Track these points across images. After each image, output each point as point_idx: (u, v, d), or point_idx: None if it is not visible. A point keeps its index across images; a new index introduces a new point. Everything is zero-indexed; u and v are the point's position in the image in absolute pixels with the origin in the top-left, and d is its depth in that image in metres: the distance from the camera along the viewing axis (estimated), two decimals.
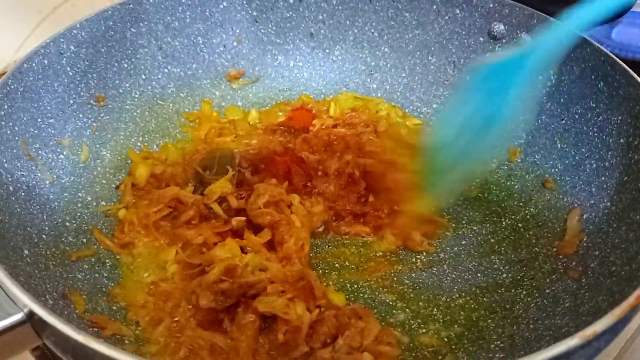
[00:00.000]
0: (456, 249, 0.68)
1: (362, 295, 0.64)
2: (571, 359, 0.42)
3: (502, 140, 0.64)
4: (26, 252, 0.57)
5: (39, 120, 0.67)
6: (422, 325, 0.61)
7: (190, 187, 0.70)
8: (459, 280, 0.65)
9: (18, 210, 0.60)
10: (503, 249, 0.68)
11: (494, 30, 0.77)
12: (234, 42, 0.84)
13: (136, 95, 0.79)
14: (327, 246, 0.68)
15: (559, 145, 0.72)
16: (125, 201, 0.70)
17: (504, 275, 0.65)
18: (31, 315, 0.45)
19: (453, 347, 0.59)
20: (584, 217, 0.66)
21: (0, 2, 0.95)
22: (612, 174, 0.64)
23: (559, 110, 0.72)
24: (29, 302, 0.45)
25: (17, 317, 0.45)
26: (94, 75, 0.74)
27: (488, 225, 0.70)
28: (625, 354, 0.63)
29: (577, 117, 0.70)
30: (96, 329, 0.57)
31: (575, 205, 0.67)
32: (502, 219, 0.71)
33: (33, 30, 0.97)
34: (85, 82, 0.73)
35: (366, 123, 0.80)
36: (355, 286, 0.64)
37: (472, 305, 0.62)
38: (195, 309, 0.59)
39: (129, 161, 0.75)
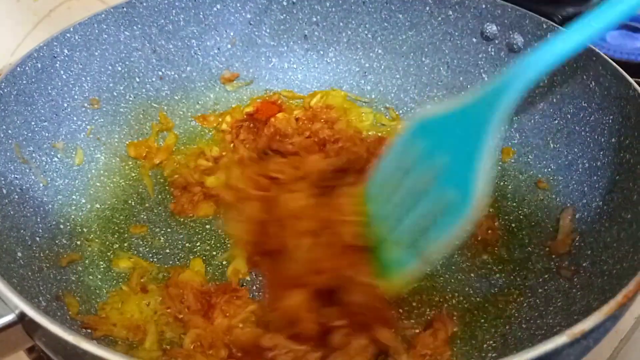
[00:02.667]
0: (449, 249, 0.68)
1: None
2: (561, 357, 0.42)
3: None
4: (19, 254, 0.58)
5: (33, 123, 0.67)
6: (415, 326, 0.61)
7: None
8: (452, 280, 0.65)
9: (11, 212, 0.60)
10: (496, 249, 0.68)
11: (487, 31, 0.77)
12: (227, 44, 0.84)
13: (130, 98, 0.79)
14: None
15: (551, 145, 0.72)
16: None
17: (497, 275, 0.65)
18: (22, 316, 0.45)
19: None
20: (577, 216, 0.66)
21: None
22: (604, 173, 0.65)
23: (551, 110, 0.72)
24: (20, 304, 0.45)
25: (9, 318, 0.46)
26: (88, 78, 0.74)
27: (482, 225, 0.70)
28: (619, 354, 0.63)
29: (569, 117, 0.70)
30: (88, 330, 0.57)
31: (568, 204, 0.67)
32: (496, 220, 0.71)
33: (29, 33, 0.98)
34: (79, 85, 0.73)
35: (327, 120, 0.81)
36: None
37: (465, 305, 0.62)
38: None
39: (123, 164, 0.75)
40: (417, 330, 0.60)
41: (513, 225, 0.70)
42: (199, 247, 0.69)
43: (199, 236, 0.69)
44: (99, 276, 0.65)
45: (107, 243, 0.68)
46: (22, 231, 0.60)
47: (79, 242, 0.67)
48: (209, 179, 0.74)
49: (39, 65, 0.68)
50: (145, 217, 0.71)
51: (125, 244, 0.68)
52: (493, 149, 0.45)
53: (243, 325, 0.59)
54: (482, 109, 0.45)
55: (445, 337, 0.59)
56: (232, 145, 0.79)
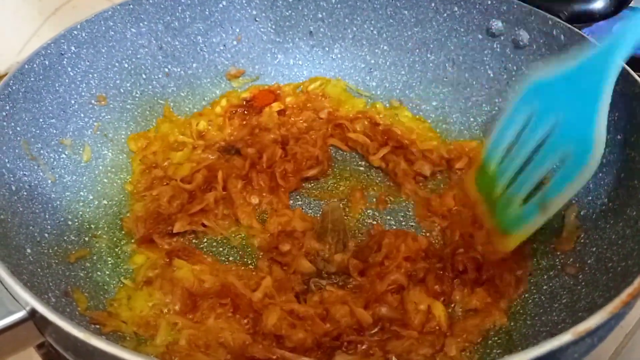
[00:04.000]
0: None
1: None
2: (565, 355, 0.43)
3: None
4: (29, 250, 0.58)
5: (41, 120, 0.68)
6: None
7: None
8: None
9: (20, 209, 0.61)
10: None
11: (492, 27, 0.77)
12: (233, 41, 0.85)
13: (137, 95, 0.79)
14: None
15: None
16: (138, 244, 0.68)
17: None
18: (33, 313, 0.46)
19: None
20: (582, 213, 0.66)
21: (2, 5, 0.96)
22: (610, 170, 0.65)
23: None
24: (31, 300, 0.45)
25: (20, 314, 0.46)
26: (95, 75, 0.75)
27: None
28: (623, 350, 0.64)
29: None
30: (97, 326, 0.58)
31: (573, 202, 0.67)
32: None
33: (35, 32, 0.98)
34: (86, 82, 0.74)
35: (315, 109, 0.82)
36: None
37: None
38: None
39: (130, 160, 0.76)
40: None
41: None
42: (205, 243, 0.69)
43: (205, 234, 0.70)
44: (107, 272, 0.65)
45: (115, 239, 0.69)
46: (31, 228, 0.61)
47: (87, 239, 0.67)
48: (177, 155, 0.76)
49: (47, 63, 0.69)
50: None
51: (132, 240, 0.69)
52: (608, 103, 0.50)
53: (233, 331, 0.59)
54: (597, 66, 0.51)
55: None
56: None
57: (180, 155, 0.76)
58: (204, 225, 0.70)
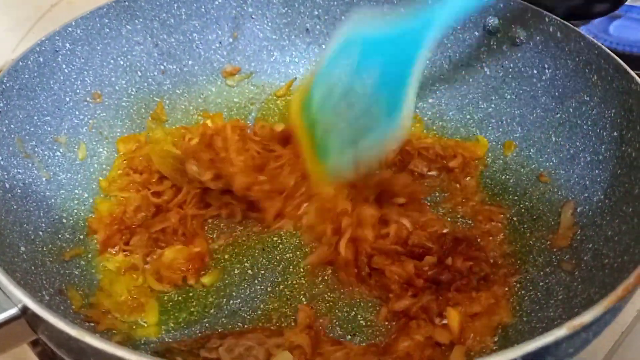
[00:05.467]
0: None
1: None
2: (560, 350, 0.43)
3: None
4: (22, 248, 0.58)
5: (35, 117, 0.68)
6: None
7: None
8: None
9: (14, 207, 0.61)
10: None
11: (489, 24, 0.77)
12: (229, 38, 0.84)
13: (132, 92, 0.79)
14: None
15: (553, 139, 0.72)
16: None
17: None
18: (25, 310, 0.46)
19: None
20: (578, 210, 0.66)
21: None
22: (606, 167, 0.64)
23: (553, 104, 0.72)
24: (23, 298, 0.45)
25: (12, 312, 0.46)
26: (90, 72, 0.74)
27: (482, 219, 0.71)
28: (619, 348, 0.63)
29: (571, 110, 0.70)
30: (92, 324, 0.57)
31: (569, 198, 0.67)
32: (501, 213, 0.71)
33: (31, 29, 0.98)
34: (81, 79, 0.74)
35: None
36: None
37: None
38: None
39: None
40: None
41: (514, 218, 0.70)
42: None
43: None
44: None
45: None
46: (25, 225, 0.61)
47: (81, 237, 0.67)
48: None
49: (41, 60, 0.69)
50: None
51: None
52: (420, 74, 0.51)
53: None
54: (414, 36, 0.51)
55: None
56: None
57: None
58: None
